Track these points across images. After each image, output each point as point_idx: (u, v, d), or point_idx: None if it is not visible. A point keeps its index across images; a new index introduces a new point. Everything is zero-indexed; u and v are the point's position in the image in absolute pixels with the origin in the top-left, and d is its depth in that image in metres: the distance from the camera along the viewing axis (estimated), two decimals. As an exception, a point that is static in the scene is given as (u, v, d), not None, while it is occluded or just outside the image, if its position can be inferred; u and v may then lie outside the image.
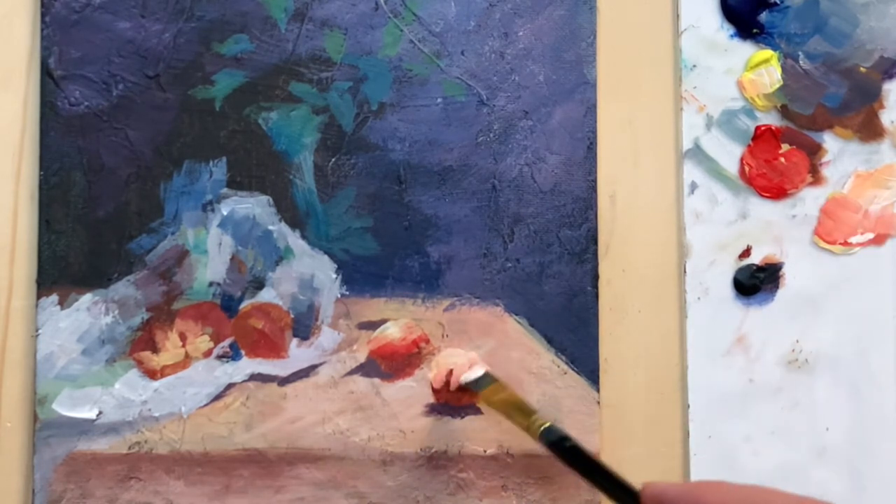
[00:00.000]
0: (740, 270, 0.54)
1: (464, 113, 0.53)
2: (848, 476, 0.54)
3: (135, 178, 0.51)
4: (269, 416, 0.51)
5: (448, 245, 0.53)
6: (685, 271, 0.54)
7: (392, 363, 0.52)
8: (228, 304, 0.52)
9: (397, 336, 0.52)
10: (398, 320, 0.52)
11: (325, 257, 0.52)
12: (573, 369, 0.53)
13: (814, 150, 0.55)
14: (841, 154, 0.55)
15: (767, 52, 0.55)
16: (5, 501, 0.50)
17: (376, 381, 0.52)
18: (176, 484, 0.51)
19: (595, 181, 0.54)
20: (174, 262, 0.51)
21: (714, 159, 0.55)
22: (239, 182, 0.52)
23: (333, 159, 0.52)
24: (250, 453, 0.51)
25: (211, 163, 0.52)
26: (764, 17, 0.55)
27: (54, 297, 0.50)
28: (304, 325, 0.52)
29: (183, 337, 0.51)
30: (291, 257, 0.52)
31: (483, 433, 0.52)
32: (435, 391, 0.52)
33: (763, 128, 0.55)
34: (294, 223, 0.52)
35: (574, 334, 0.53)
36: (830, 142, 0.55)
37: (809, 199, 0.55)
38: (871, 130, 0.55)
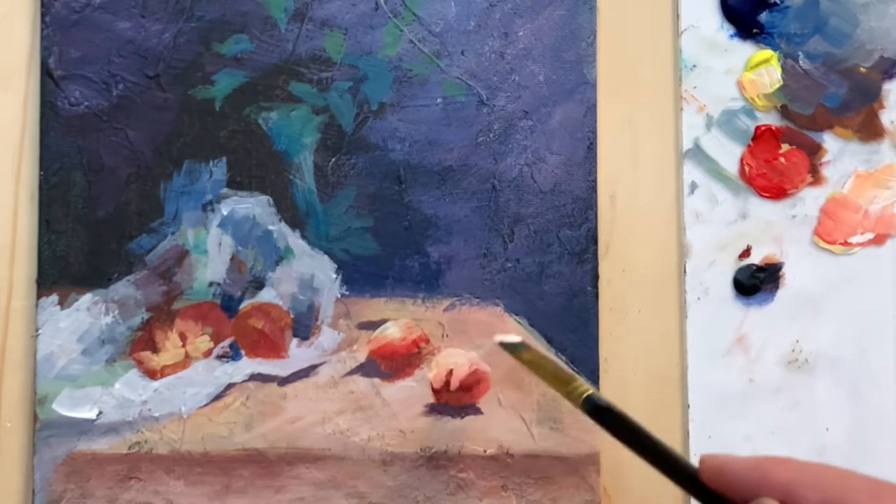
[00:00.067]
0: (740, 270, 0.54)
1: (464, 113, 0.53)
2: (848, 476, 0.54)
3: (135, 178, 0.51)
4: (269, 416, 0.51)
5: (448, 245, 0.53)
6: (685, 271, 0.54)
7: (392, 363, 0.52)
8: (228, 304, 0.52)
9: (397, 336, 0.52)
10: (398, 320, 0.52)
11: (325, 257, 0.52)
12: (573, 369, 0.53)
13: (814, 150, 0.55)
14: (841, 154, 0.55)
15: (767, 52, 0.55)
16: (5, 501, 0.50)
17: (376, 381, 0.52)
18: (176, 484, 0.51)
19: (595, 181, 0.54)
20: (174, 262, 0.51)
21: (714, 159, 0.55)
22: (239, 182, 0.52)
23: (333, 159, 0.52)
24: (250, 453, 0.51)
25: (211, 163, 0.52)
26: (764, 17, 0.55)
27: (54, 297, 0.50)
28: (304, 325, 0.52)
29: (183, 337, 0.51)
30: (291, 257, 0.52)
31: (483, 433, 0.52)
32: (435, 391, 0.52)
33: (763, 128, 0.55)
34: (294, 223, 0.52)
35: (574, 334, 0.53)
36: (830, 142, 0.55)
37: (809, 199, 0.55)
38: (871, 130, 0.55)
